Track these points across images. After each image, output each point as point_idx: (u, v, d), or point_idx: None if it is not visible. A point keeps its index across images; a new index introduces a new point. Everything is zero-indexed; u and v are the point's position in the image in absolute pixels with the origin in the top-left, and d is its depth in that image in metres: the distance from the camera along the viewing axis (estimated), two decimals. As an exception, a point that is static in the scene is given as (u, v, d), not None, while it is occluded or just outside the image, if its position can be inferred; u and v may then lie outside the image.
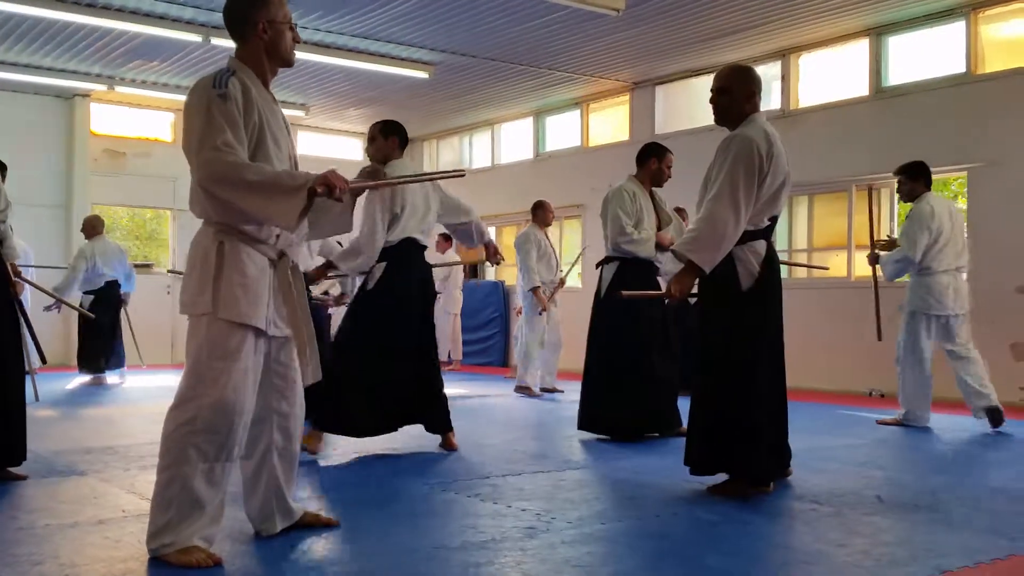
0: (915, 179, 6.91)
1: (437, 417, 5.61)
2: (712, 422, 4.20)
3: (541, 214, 9.49)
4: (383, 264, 5.34)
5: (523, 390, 9.27)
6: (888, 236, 7.32)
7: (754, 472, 4.20)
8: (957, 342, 6.82)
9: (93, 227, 10.04)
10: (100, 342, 9.89)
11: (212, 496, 3.03)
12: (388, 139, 5.56)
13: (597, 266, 6.43)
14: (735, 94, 4.28)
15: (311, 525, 3.49)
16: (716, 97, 4.34)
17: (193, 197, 3.11)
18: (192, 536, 2.97)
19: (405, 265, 5.40)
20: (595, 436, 6.14)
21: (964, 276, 7.00)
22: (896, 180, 7.08)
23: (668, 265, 6.06)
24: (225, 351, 3.01)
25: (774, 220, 4.30)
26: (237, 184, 2.92)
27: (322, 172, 2.95)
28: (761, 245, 4.21)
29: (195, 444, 2.97)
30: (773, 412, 4.24)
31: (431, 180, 4.39)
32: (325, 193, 2.91)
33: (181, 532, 2.96)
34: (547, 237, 9.54)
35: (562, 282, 9.81)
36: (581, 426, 6.20)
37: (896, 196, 10.06)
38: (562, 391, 9.40)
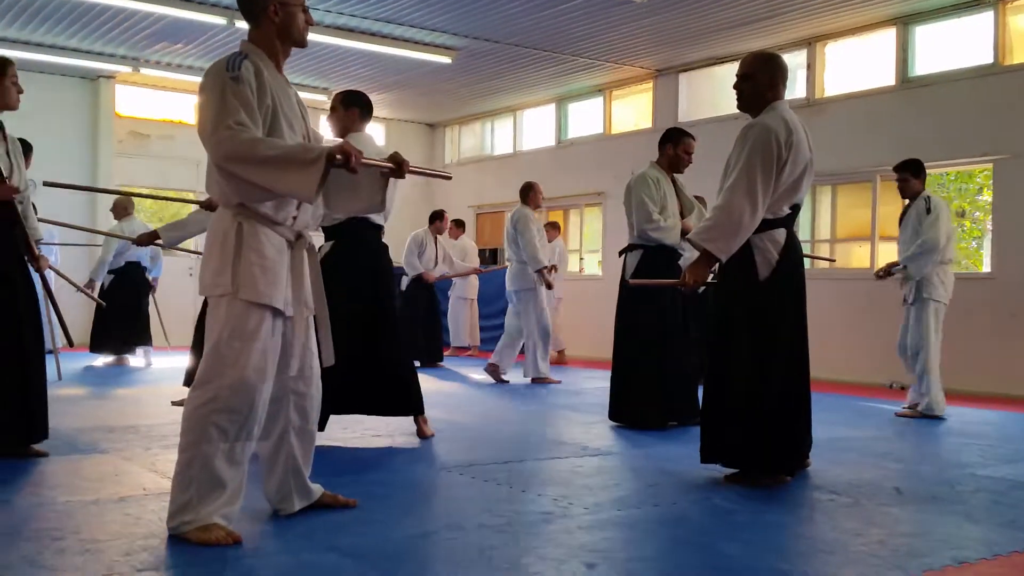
0: (918, 176, 6.98)
1: (397, 400, 5.30)
2: (723, 411, 4.18)
3: (533, 196, 9.17)
4: (330, 243, 5.17)
5: (493, 371, 9.13)
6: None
7: (761, 464, 4.18)
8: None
9: (124, 208, 10.13)
10: (120, 323, 9.94)
11: (232, 475, 3.06)
12: (348, 110, 5.27)
13: (620, 254, 6.40)
14: (758, 81, 4.27)
15: (329, 506, 3.52)
16: (739, 83, 4.34)
17: (210, 179, 3.14)
18: (212, 514, 3.00)
19: (353, 245, 5.19)
20: (619, 425, 6.13)
21: None
22: (899, 178, 7.04)
23: (690, 252, 6.04)
24: (244, 331, 3.03)
25: (796, 209, 4.27)
26: (253, 159, 2.94)
27: (332, 156, 2.96)
28: (781, 234, 4.18)
29: (216, 423, 3.00)
30: (791, 403, 4.20)
31: (444, 178, 4.19)
32: (343, 162, 2.94)
33: (201, 510, 3.00)
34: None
35: (553, 268, 9.78)
36: (611, 416, 6.20)
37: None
38: (558, 381, 9.18)
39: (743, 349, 4.15)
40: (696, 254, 4.30)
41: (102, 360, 10.18)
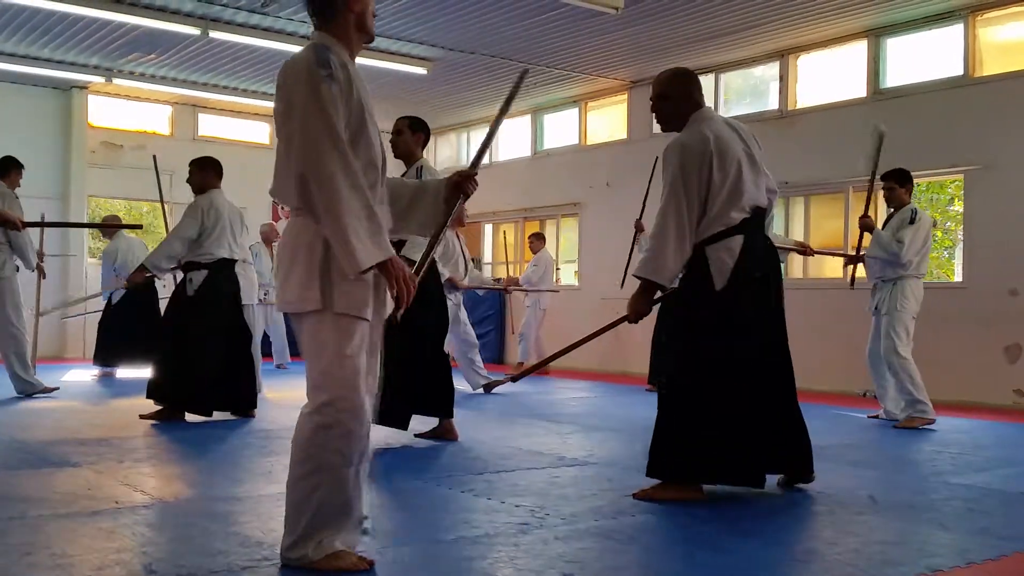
0: (904, 185, 7.05)
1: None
2: (663, 423, 4.12)
3: (459, 214, 8.81)
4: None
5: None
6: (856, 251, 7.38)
7: (679, 474, 4.08)
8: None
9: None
10: (129, 336, 9.76)
11: (357, 501, 2.91)
12: (415, 134, 5.63)
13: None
14: (672, 98, 4.27)
15: None
16: (656, 104, 4.33)
17: (285, 183, 2.86)
18: (335, 541, 2.86)
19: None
20: (591, 431, 6.14)
21: None
22: (884, 187, 7.10)
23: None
24: (350, 348, 2.82)
25: (756, 212, 4.18)
26: (337, 198, 2.71)
27: (395, 264, 2.80)
28: (736, 241, 4.08)
29: (338, 449, 2.81)
30: (751, 412, 4.08)
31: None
32: (391, 280, 2.80)
33: (327, 538, 2.84)
34: (457, 238, 8.88)
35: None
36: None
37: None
38: (509, 378, 9.13)
39: (689, 361, 4.10)
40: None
41: (95, 372, 10.10)
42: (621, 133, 13.02)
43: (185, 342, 6.46)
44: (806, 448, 4.34)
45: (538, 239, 12.15)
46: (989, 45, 9.33)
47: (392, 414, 5.45)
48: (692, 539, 3.53)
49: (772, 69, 10.98)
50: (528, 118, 14.35)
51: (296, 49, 11.68)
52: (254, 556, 3.04)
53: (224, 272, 6.65)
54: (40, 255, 8.57)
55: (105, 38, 10.92)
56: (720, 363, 4.06)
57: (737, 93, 11.74)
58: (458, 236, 8.95)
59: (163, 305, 10.18)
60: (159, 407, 6.47)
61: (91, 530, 3.34)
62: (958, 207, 9.17)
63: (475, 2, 9.41)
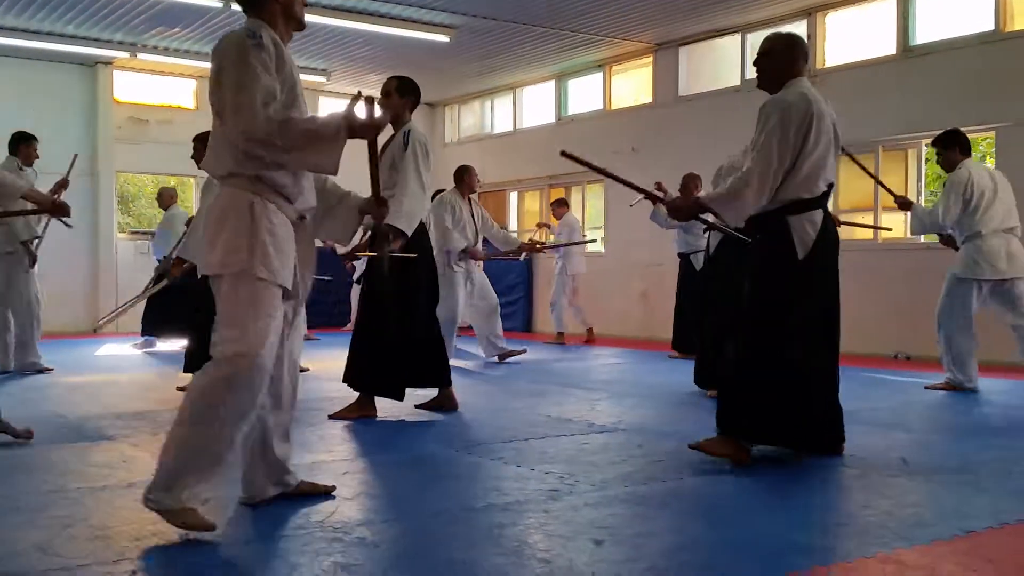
0: (950, 148, 6.76)
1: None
2: (750, 384, 4.16)
3: (467, 180, 8.73)
4: None
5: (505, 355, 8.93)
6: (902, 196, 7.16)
7: (794, 438, 4.18)
8: (1020, 310, 6.62)
9: (171, 197, 10.46)
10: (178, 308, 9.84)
11: (231, 457, 3.00)
12: (404, 98, 5.48)
13: (705, 231, 6.63)
14: (776, 58, 4.33)
15: (307, 494, 3.43)
16: (759, 60, 4.41)
17: (219, 153, 3.06)
18: (200, 494, 2.91)
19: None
20: (621, 398, 6.14)
21: (1015, 239, 6.71)
22: (936, 152, 6.93)
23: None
24: (261, 310, 2.98)
25: (830, 187, 4.28)
26: (283, 140, 2.92)
27: (340, 114, 3.00)
28: (818, 215, 4.19)
29: (226, 402, 2.92)
30: (823, 381, 4.21)
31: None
32: (363, 128, 2.99)
33: (190, 489, 2.89)
34: (470, 204, 8.75)
35: (533, 246, 9.49)
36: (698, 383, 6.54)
37: (924, 157, 10.00)
38: (523, 351, 9.13)
39: (771, 326, 4.14)
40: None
41: (138, 342, 10.22)
42: (647, 97, 12.89)
43: None
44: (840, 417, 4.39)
45: (561, 204, 12.02)
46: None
47: (386, 385, 5.44)
48: (723, 504, 3.54)
49: (800, 27, 10.79)
50: (552, 84, 14.24)
51: (316, 19, 11.57)
52: (292, 525, 3.08)
53: None
54: (29, 242, 7.78)
55: (129, 13, 10.93)
56: (798, 329, 4.14)
57: (764, 53, 11.59)
58: (470, 202, 8.75)
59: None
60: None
61: (128, 502, 3.38)
62: (990, 164, 9.01)
63: (496, -33, 9.33)
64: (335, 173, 3.06)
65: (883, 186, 7.23)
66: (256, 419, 3.13)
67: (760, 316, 4.21)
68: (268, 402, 3.21)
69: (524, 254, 11.00)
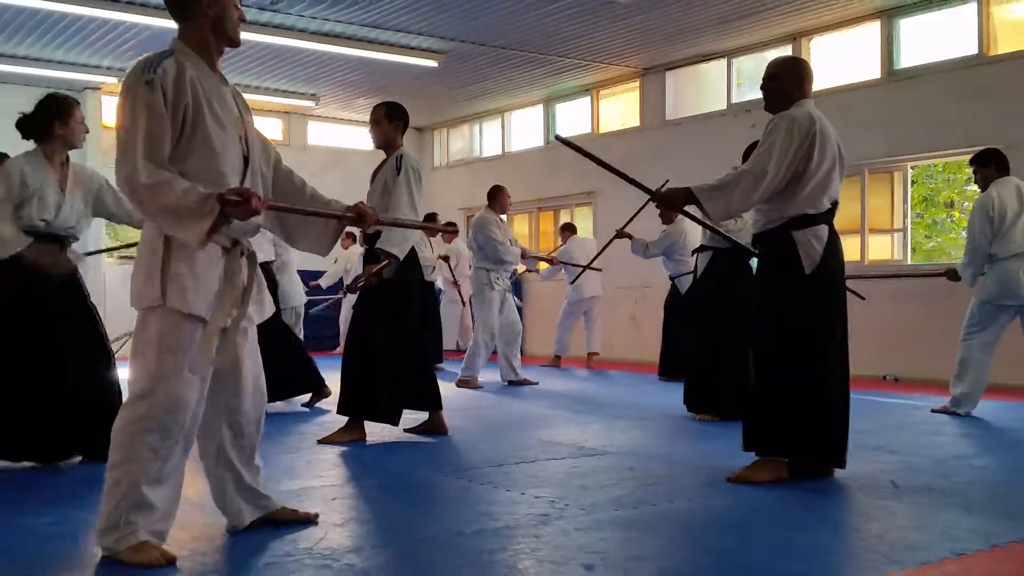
0: (986, 165, 6.70)
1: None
2: (770, 403, 4.21)
3: (500, 199, 8.87)
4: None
5: (465, 383, 8.72)
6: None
7: (814, 453, 4.22)
8: None
9: None
10: None
11: (161, 495, 2.93)
12: (393, 123, 5.49)
13: (692, 253, 6.74)
14: (784, 81, 4.38)
15: (289, 521, 3.37)
16: (766, 83, 4.46)
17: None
18: (141, 532, 2.87)
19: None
20: (611, 420, 6.13)
21: None
22: (973, 171, 6.88)
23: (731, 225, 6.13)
24: (176, 344, 2.90)
25: (835, 205, 4.32)
26: (150, 204, 2.82)
27: (214, 194, 2.81)
28: (823, 230, 4.22)
29: (147, 442, 2.88)
30: (836, 396, 4.24)
31: (427, 230, 4.35)
32: (237, 206, 2.79)
33: (131, 529, 2.87)
34: (503, 223, 8.90)
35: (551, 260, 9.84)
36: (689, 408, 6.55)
37: (910, 179, 10.08)
38: (536, 383, 9.06)
39: (795, 346, 4.18)
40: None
41: None
42: (634, 120, 12.97)
43: None
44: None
45: (568, 229, 11.87)
46: (1003, 23, 9.23)
47: (381, 410, 5.41)
48: (713, 527, 3.53)
49: (785, 52, 10.87)
50: (540, 108, 14.31)
51: (305, 45, 11.60)
52: (280, 552, 3.06)
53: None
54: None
55: (117, 39, 10.95)
56: (813, 345, 4.18)
57: (750, 78, 11.66)
58: (502, 219, 8.91)
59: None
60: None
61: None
62: (975, 187, 9.12)
63: (484, -7, 9.39)
64: (200, 248, 2.87)
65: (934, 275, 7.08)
66: (222, 451, 3.16)
67: (771, 338, 4.25)
68: (228, 435, 3.17)
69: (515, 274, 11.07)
